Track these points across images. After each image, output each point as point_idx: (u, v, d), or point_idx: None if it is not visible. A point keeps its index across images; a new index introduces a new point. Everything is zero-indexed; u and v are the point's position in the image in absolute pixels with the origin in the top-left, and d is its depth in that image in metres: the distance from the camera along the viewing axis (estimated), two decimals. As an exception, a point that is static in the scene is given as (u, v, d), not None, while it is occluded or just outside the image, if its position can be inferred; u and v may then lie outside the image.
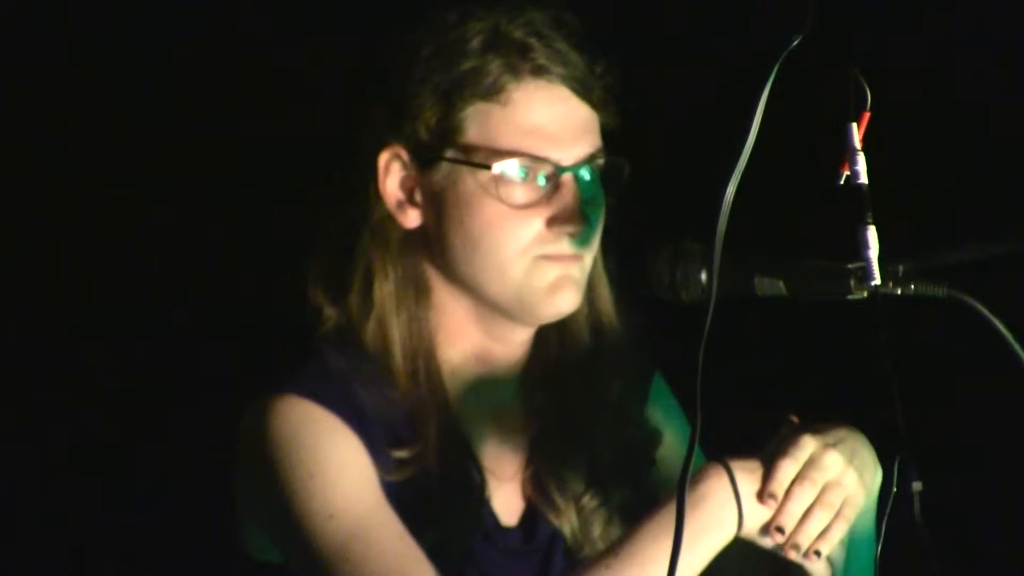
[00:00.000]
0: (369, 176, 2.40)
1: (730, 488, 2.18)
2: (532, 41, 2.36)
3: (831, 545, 2.20)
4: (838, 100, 1.98)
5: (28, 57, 3.32)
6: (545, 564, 2.44)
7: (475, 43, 2.35)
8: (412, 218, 2.40)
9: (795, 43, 1.93)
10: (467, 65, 2.35)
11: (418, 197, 2.39)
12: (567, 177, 2.35)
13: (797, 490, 2.18)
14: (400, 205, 2.40)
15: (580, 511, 2.45)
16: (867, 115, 1.98)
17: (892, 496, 2.12)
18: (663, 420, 2.55)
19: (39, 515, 3.36)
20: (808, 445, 2.20)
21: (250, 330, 3.29)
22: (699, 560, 2.19)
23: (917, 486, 2.10)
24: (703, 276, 2.16)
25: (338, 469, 2.30)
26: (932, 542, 2.06)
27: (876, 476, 2.26)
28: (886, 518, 2.18)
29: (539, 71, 2.35)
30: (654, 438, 2.52)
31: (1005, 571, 3.13)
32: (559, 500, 2.45)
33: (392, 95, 2.38)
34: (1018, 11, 3.08)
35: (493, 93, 2.34)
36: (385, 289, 2.40)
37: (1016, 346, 1.98)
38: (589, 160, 2.38)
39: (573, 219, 2.35)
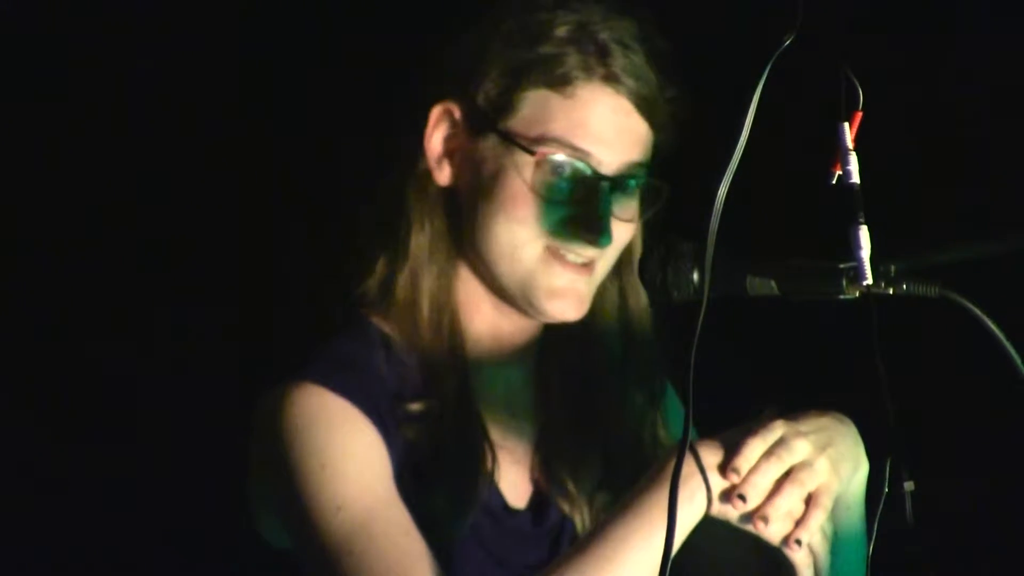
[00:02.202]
0: (419, 127, 2.43)
1: (694, 464, 2.18)
2: (614, 47, 2.38)
3: (811, 533, 2.19)
4: (830, 100, 1.98)
5: (27, 56, 3.33)
6: (554, 548, 2.46)
7: (560, 31, 2.38)
8: (446, 176, 2.43)
9: (787, 42, 1.93)
10: (545, 50, 2.37)
11: (458, 158, 2.43)
12: (602, 184, 2.37)
13: (763, 464, 2.18)
14: (439, 160, 2.43)
15: (592, 504, 2.47)
16: (859, 115, 1.98)
17: (884, 496, 2.13)
18: (672, 426, 2.57)
19: (45, 500, 3.36)
20: (778, 428, 2.21)
21: (274, 308, 3.31)
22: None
23: (909, 486, 2.10)
24: (695, 276, 2.16)
25: (350, 460, 2.31)
26: (924, 543, 2.06)
27: (859, 469, 2.26)
28: (877, 518, 2.17)
29: (611, 78, 2.38)
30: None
31: (998, 572, 3.13)
32: (572, 490, 2.47)
33: (463, 55, 2.42)
34: (1017, 10, 3.09)
35: (560, 84, 2.37)
36: (420, 240, 2.43)
37: (1008, 346, 1.98)
38: (630, 174, 2.39)
39: (595, 225, 2.37)
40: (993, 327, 1.98)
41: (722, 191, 1.93)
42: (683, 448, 2.07)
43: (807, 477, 2.19)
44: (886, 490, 2.12)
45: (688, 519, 2.18)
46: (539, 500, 2.48)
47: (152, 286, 3.38)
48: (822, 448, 2.21)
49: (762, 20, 2.03)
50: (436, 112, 2.43)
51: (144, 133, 3.36)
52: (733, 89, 1.95)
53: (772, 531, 2.19)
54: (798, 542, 2.19)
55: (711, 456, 2.19)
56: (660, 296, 2.19)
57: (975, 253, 2.04)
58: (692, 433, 2.02)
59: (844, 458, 2.23)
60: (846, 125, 1.98)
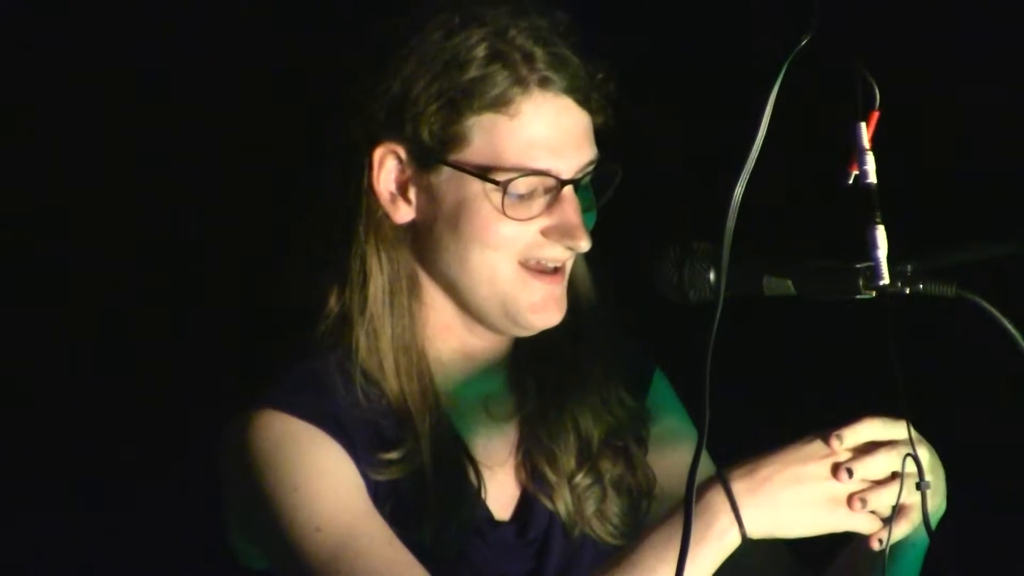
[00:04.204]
0: (362, 170, 2.40)
1: (724, 498, 2.16)
2: (537, 50, 2.36)
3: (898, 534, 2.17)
4: (847, 99, 1.98)
5: (29, 55, 3.34)
6: (540, 556, 2.45)
7: (479, 51, 2.35)
8: (404, 213, 2.41)
9: (803, 42, 1.93)
10: (473, 74, 2.34)
11: (411, 194, 2.40)
12: (567, 189, 2.36)
13: (883, 452, 2.15)
14: (393, 199, 2.40)
15: (573, 489, 2.46)
16: (876, 114, 1.98)
17: (899, 495, 2.13)
18: (664, 413, 2.57)
19: (32, 518, 3.36)
20: (905, 429, 2.17)
21: (242, 332, 3.29)
22: (700, 573, 2.16)
23: (924, 485, 2.10)
24: (711, 276, 2.16)
25: (321, 480, 2.31)
26: (939, 540, 2.07)
27: (942, 508, 2.23)
28: (892, 517, 2.18)
29: (545, 83, 2.36)
30: (641, 417, 2.53)
31: (1012, 571, 3.14)
32: (552, 477, 2.46)
33: (392, 95, 2.37)
34: (1019, 11, 3.09)
35: (501, 104, 2.35)
36: (378, 283, 2.40)
37: (1024, 345, 1.99)
38: (587, 169, 2.39)
39: (572, 231, 2.37)
40: (1010, 327, 1.98)
41: (739, 191, 1.93)
42: (697, 455, 2.04)
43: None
44: (900, 489, 2.12)
45: (717, 555, 2.16)
46: (523, 505, 2.47)
47: (141, 290, 3.38)
48: (931, 470, 2.18)
49: (779, 20, 2.03)
50: (378, 154, 2.39)
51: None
52: (750, 89, 1.95)
53: (859, 515, 2.17)
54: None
55: (744, 486, 2.16)
56: (676, 296, 2.19)
57: (990, 253, 2.05)
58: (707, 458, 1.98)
59: (937, 491, 2.21)
60: (863, 125, 1.98)
